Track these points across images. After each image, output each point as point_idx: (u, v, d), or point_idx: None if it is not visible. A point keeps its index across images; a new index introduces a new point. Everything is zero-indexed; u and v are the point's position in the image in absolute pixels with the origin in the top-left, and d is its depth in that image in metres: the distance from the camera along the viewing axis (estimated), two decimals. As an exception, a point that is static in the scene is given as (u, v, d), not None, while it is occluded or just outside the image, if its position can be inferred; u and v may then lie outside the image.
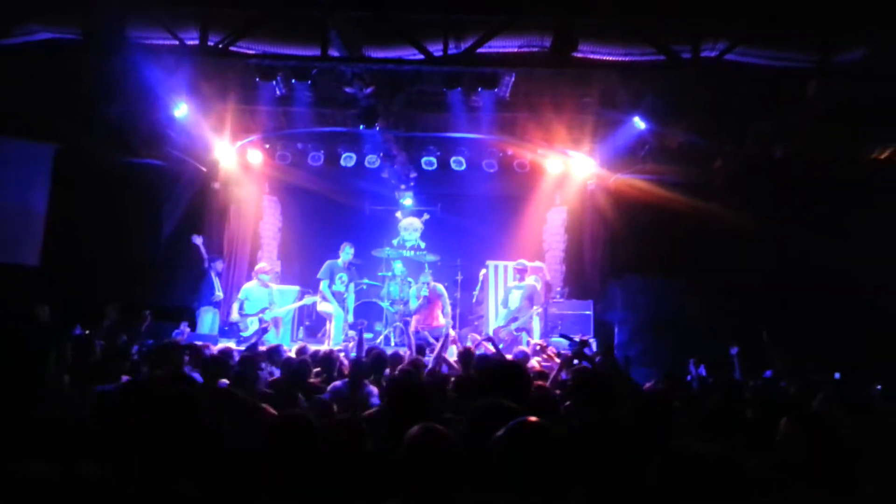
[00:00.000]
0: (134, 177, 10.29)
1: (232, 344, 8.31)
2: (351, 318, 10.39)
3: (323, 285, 10.13)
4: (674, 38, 6.82)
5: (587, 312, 10.55)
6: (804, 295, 9.51)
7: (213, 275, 10.43)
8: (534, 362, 7.31)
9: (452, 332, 9.40)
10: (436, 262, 11.83)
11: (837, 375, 7.92)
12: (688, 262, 9.85)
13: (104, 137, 9.74)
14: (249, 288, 10.00)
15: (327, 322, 9.99)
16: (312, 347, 7.72)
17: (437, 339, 9.33)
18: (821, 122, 8.57)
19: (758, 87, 7.96)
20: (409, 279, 11.33)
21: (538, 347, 7.42)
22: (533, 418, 2.45)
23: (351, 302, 10.54)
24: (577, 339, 7.15)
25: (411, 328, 9.82)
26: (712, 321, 9.21)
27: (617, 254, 10.54)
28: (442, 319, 9.95)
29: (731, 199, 9.61)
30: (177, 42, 7.46)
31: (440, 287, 10.31)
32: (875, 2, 6.60)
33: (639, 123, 8.99)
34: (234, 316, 9.76)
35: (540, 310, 10.06)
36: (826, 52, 6.97)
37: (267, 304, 9.77)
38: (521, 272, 10.25)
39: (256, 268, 10.32)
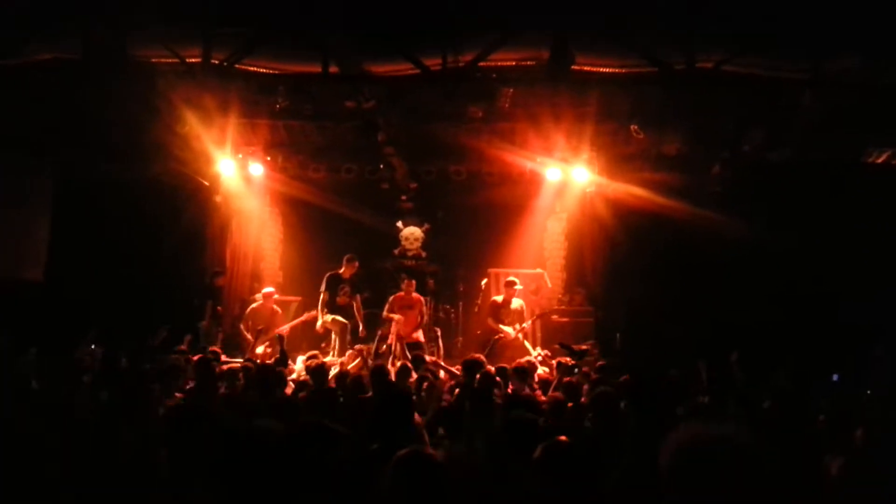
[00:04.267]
0: (136, 192, 10.35)
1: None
2: (363, 331, 10.33)
3: (321, 299, 10.18)
4: (669, 50, 6.90)
5: (588, 319, 10.61)
6: (803, 299, 9.57)
7: (218, 290, 10.53)
8: (541, 371, 7.49)
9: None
10: (437, 272, 11.88)
11: (836, 377, 8.01)
12: (688, 268, 9.91)
13: (106, 153, 9.83)
14: (255, 309, 10.09)
15: (332, 334, 10.03)
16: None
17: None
18: (816, 128, 8.66)
19: (753, 94, 8.04)
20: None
21: (541, 358, 7.57)
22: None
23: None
24: (577, 349, 7.36)
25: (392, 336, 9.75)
26: (713, 326, 9.27)
27: (617, 261, 10.60)
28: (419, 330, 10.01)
29: (729, 204, 9.68)
30: (178, 60, 7.56)
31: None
32: (867, 11, 6.68)
33: (637, 131, 9.07)
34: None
35: (527, 327, 10.06)
36: (820, 61, 7.05)
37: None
38: (510, 288, 10.23)
39: (265, 292, 10.33)
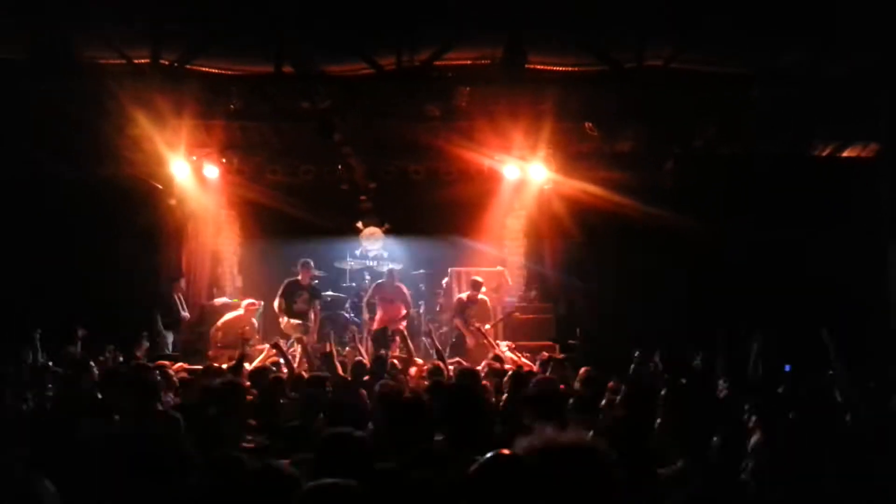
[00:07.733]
0: (87, 194, 10.12)
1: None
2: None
3: (276, 304, 10.13)
4: (619, 49, 7.01)
5: (549, 316, 10.71)
6: (757, 291, 9.78)
7: (177, 295, 10.32)
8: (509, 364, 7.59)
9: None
10: (398, 271, 11.87)
11: (788, 368, 8.18)
12: (644, 264, 10.07)
13: (54, 155, 9.60)
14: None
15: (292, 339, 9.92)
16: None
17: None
18: (765, 122, 8.89)
19: (702, 91, 8.20)
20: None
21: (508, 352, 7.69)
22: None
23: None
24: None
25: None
26: (669, 320, 9.42)
27: (575, 257, 10.72)
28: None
29: (683, 199, 9.85)
30: (125, 61, 7.42)
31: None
32: (812, 7, 6.87)
33: (591, 129, 9.19)
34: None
35: (489, 326, 10.19)
36: (765, 56, 7.23)
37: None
38: (476, 288, 10.36)
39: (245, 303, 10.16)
